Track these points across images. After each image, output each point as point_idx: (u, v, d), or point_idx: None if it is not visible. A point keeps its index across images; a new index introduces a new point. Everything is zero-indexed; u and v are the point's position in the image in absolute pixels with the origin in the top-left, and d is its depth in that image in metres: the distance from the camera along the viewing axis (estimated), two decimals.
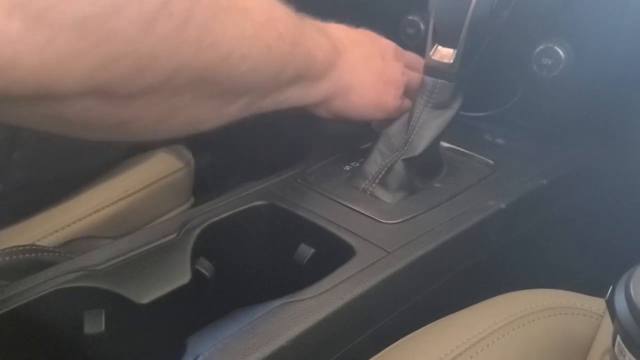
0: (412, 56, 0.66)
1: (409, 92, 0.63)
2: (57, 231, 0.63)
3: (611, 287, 0.38)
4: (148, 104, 0.39)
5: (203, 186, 0.80)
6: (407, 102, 0.63)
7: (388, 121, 0.63)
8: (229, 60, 0.42)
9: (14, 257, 0.51)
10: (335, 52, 0.56)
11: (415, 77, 0.62)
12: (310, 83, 0.54)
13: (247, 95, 0.47)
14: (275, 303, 0.45)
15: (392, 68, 0.62)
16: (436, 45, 0.61)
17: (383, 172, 0.60)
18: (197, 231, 0.53)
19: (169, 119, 0.42)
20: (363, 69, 0.59)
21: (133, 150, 0.72)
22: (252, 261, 0.58)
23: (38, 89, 0.33)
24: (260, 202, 0.57)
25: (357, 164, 0.64)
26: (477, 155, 0.67)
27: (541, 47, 0.64)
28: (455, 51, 0.59)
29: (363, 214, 0.56)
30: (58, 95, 0.35)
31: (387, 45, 0.63)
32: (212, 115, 0.46)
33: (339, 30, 0.59)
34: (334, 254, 0.52)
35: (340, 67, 0.56)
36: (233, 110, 0.47)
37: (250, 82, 0.46)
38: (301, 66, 0.51)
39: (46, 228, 0.62)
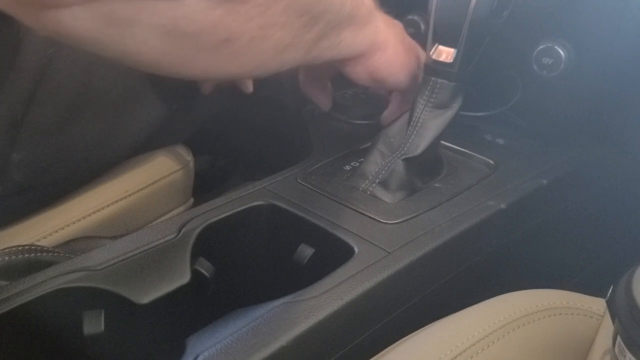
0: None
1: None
2: (56, 231, 0.63)
3: (612, 287, 0.38)
4: (249, 14, 0.44)
5: (203, 186, 0.79)
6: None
7: (392, 115, 0.66)
8: None
9: (14, 257, 0.51)
10: (372, 3, 0.59)
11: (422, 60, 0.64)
12: (359, 27, 0.56)
13: (320, 22, 0.51)
14: (275, 303, 0.45)
15: (408, 38, 0.65)
16: (436, 45, 0.61)
17: (383, 172, 0.60)
18: (197, 231, 0.53)
19: (263, 39, 0.46)
20: (392, 27, 0.62)
21: (133, 152, 0.72)
22: (252, 261, 0.58)
23: None
24: (260, 202, 0.57)
25: (357, 164, 0.64)
26: (477, 155, 0.67)
27: (541, 46, 0.64)
28: (456, 51, 0.59)
29: (363, 214, 0.56)
30: None
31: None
32: (294, 39, 0.49)
33: None
34: (334, 254, 0.52)
35: (378, 19, 0.59)
36: (307, 40, 0.51)
37: (325, 3, 0.51)
38: (354, 4, 0.55)
39: (46, 228, 0.62)
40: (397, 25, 0.64)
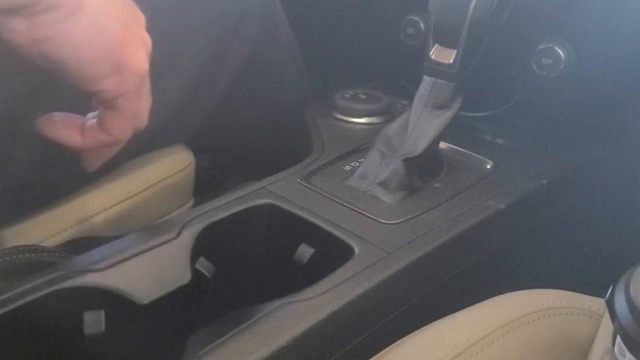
0: None
1: None
2: (59, 233, 0.63)
3: (611, 287, 0.38)
4: None
5: (203, 186, 0.79)
6: None
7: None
8: None
9: (14, 257, 0.51)
10: None
11: None
12: None
13: None
14: (275, 303, 0.45)
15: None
16: (436, 45, 0.61)
17: (383, 172, 0.60)
18: (197, 231, 0.53)
19: None
20: None
21: (135, 151, 0.72)
22: (252, 261, 0.58)
23: None
24: (260, 202, 0.57)
25: (357, 164, 0.64)
26: (477, 155, 0.67)
27: (541, 47, 0.64)
28: (455, 51, 0.59)
29: (363, 214, 0.56)
30: None
31: None
32: None
33: None
34: (334, 254, 0.52)
35: None
36: None
37: None
38: None
39: (48, 229, 0.62)
40: None
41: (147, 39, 0.44)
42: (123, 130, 0.45)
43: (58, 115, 0.47)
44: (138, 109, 0.45)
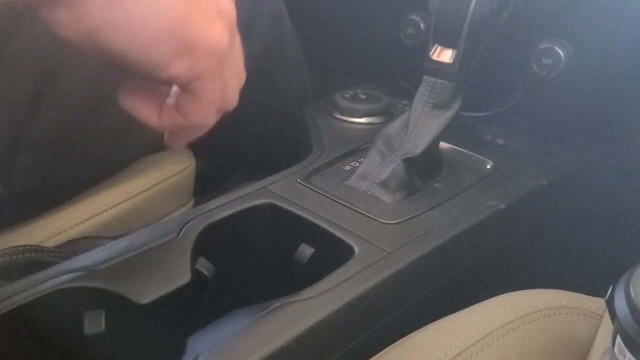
0: None
1: None
2: (59, 233, 0.63)
3: (611, 287, 0.38)
4: None
5: (203, 187, 0.79)
6: None
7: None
8: None
9: (14, 257, 0.51)
10: None
11: None
12: None
13: None
14: (275, 303, 0.45)
15: None
16: (436, 45, 0.61)
17: (383, 172, 0.60)
18: (197, 231, 0.53)
19: None
20: None
21: (141, 156, 0.71)
22: (252, 261, 0.58)
23: None
24: (260, 202, 0.57)
25: (357, 164, 0.64)
26: (477, 155, 0.67)
27: (541, 47, 0.64)
28: (455, 51, 0.59)
29: (363, 214, 0.56)
30: None
31: None
32: None
33: None
34: (334, 254, 0.52)
35: None
36: None
37: None
38: None
39: (49, 230, 0.62)
40: None
41: (228, 9, 0.38)
42: (201, 115, 0.40)
43: (140, 87, 0.41)
44: (221, 91, 0.39)
